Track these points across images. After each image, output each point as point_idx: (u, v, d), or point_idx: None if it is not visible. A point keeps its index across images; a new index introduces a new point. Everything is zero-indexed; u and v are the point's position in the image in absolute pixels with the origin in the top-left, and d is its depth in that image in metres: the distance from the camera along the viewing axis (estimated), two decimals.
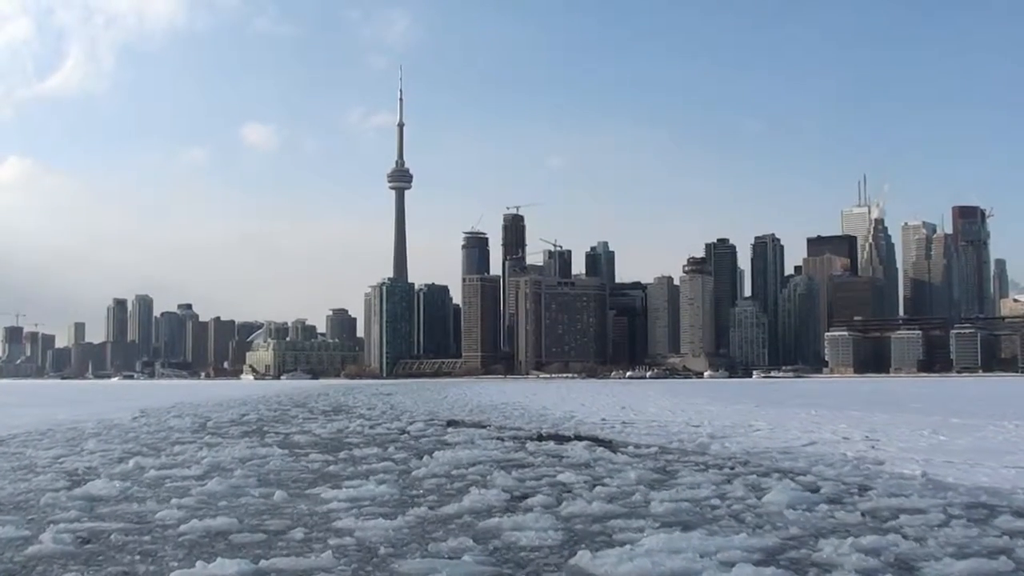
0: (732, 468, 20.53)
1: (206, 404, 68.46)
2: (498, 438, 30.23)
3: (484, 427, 36.86)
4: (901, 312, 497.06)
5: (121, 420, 42.96)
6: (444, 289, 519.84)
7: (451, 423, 40.92)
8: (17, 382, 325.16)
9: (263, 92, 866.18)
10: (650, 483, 17.78)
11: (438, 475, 19.17)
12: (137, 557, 11.22)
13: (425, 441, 29.15)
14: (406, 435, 32.23)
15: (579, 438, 30.88)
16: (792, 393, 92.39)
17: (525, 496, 15.96)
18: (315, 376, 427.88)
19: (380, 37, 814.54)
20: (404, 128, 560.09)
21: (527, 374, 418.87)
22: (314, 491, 16.74)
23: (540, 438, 30.63)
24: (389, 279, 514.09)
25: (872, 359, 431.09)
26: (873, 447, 25.64)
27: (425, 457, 22.83)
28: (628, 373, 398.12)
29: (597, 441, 28.73)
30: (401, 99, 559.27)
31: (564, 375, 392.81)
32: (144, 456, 23.71)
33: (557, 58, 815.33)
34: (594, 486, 17.14)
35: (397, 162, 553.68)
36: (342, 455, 24.07)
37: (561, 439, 29.96)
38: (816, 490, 16.62)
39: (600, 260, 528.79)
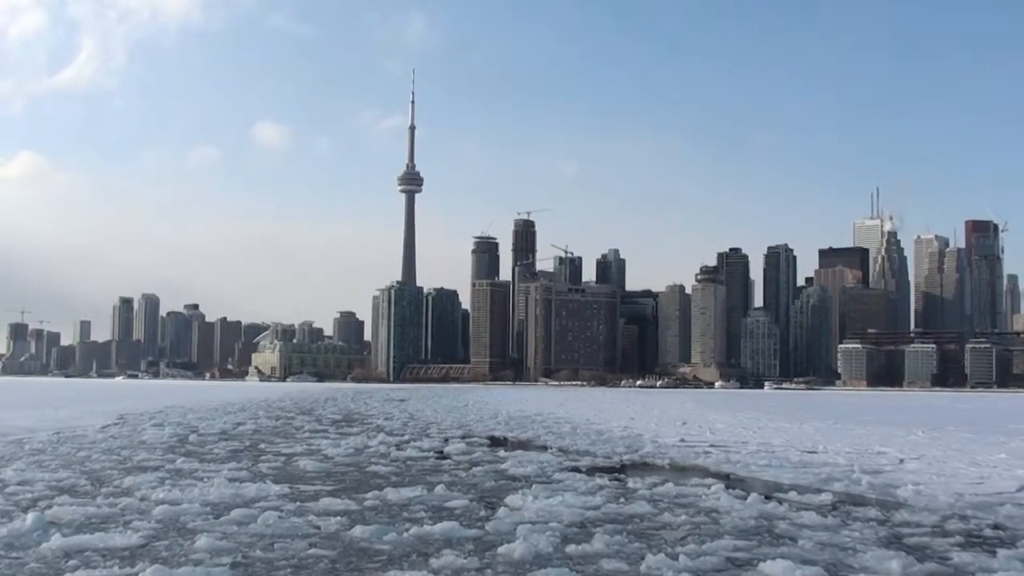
0: (1011, 543, 12.51)
1: (199, 408, 60.54)
2: (574, 468, 22.23)
3: (542, 449, 28.73)
4: (912, 326, 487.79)
5: (87, 429, 35.03)
6: (453, 294, 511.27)
7: (495, 442, 32.95)
8: (14, 379, 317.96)
9: (276, 91, 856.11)
10: None
11: (549, 555, 11.15)
12: None
13: (480, 473, 20.99)
14: (448, 461, 24.10)
15: (682, 469, 23.09)
16: (843, 409, 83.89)
17: None
18: (321, 379, 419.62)
19: (396, 39, 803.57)
20: (416, 131, 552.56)
21: (536, 381, 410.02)
22: None
23: (632, 469, 22.67)
24: (398, 282, 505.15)
25: (885, 372, 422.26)
26: None
27: (500, 509, 14.84)
28: (639, 382, 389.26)
29: (718, 477, 20.76)
30: (413, 102, 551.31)
31: (573, 383, 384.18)
32: (72, 496, 15.76)
33: (573, 64, 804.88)
34: None
35: (408, 165, 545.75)
36: (370, 501, 16.03)
37: (664, 473, 21.99)
38: None
39: (611, 267, 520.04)
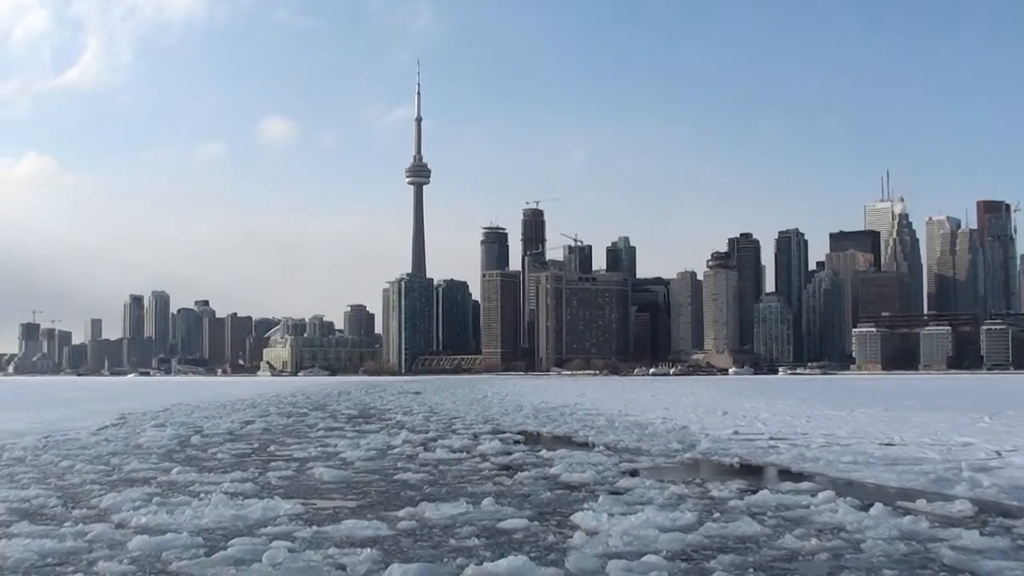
0: None
1: (207, 406, 57.54)
2: (634, 472, 19.10)
3: (586, 448, 25.53)
4: (926, 308, 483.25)
5: (81, 432, 31.90)
6: (463, 285, 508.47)
7: (529, 438, 29.77)
8: (25, 379, 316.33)
9: (282, 86, 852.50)
10: None
11: None
12: None
13: (528, 480, 17.75)
14: (487, 464, 20.89)
15: (759, 469, 19.99)
16: (876, 394, 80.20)
17: None
18: (333, 372, 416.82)
19: (402, 30, 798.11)
20: (423, 122, 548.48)
21: (548, 371, 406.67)
22: None
23: (701, 471, 19.48)
24: (407, 275, 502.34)
25: (900, 356, 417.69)
26: None
27: (573, 533, 11.70)
28: (651, 370, 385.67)
29: (809, 480, 17.57)
30: (419, 93, 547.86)
31: (586, 372, 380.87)
32: (34, 523, 12.65)
33: (580, 52, 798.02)
34: None
35: (415, 157, 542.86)
36: (404, 522, 12.89)
37: (742, 475, 18.84)
38: None
39: (621, 255, 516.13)
